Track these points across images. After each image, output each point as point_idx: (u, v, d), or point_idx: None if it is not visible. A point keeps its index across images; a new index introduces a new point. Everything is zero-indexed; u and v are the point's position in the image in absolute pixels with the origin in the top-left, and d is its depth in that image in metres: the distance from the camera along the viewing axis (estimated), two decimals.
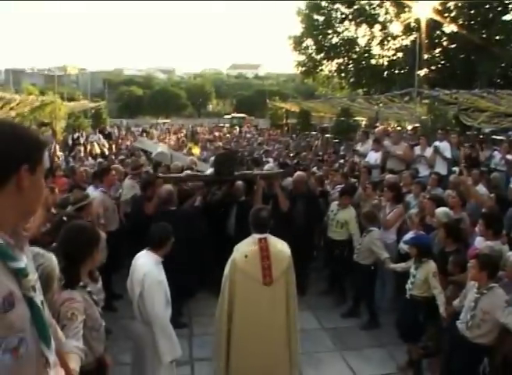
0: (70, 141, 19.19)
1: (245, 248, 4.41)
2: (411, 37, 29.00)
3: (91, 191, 6.52)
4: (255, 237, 4.40)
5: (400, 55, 31.54)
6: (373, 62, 33.98)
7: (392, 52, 33.01)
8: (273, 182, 6.94)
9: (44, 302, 1.71)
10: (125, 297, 6.42)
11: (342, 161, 11.86)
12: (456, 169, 8.50)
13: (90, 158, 13.46)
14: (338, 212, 6.91)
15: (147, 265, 3.78)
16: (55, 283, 2.55)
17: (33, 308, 1.55)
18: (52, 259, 2.56)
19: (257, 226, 4.42)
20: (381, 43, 33.26)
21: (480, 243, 4.81)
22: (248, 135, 31.87)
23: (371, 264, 6.10)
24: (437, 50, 28.77)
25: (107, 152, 16.19)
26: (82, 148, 15.35)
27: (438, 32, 27.96)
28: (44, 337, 1.60)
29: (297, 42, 35.46)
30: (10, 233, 1.54)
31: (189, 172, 7.40)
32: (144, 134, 28.48)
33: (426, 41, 25.30)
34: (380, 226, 6.51)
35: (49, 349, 1.62)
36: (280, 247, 4.47)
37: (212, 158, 9.27)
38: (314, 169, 9.97)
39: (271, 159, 12.48)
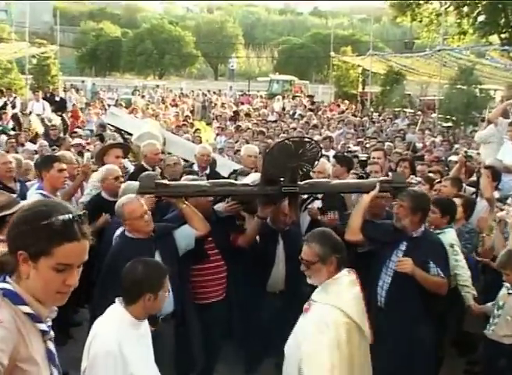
0: None
1: (348, 295, 4.78)
2: None
3: (34, 191, 6.64)
4: (351, 273, 4.89)
5: None
6: None
7: None
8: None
9: None
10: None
11: (453, 158, 11.80)
12: None
13: (27, 142, 13.55)
14: None
15: (103, 324, 3.86)
16: None
17: None
18: None
19: (346, 261, 4.94)
20: None
21: None
22: (298, 111, 31.63)
23: None
24: None
25: (56, 132, 16.19)
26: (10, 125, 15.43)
27: None
28: None
29: None
30: None
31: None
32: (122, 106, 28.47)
33: None
34: None
35: None
36: None
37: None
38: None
39: (331, 153, 12.30)
